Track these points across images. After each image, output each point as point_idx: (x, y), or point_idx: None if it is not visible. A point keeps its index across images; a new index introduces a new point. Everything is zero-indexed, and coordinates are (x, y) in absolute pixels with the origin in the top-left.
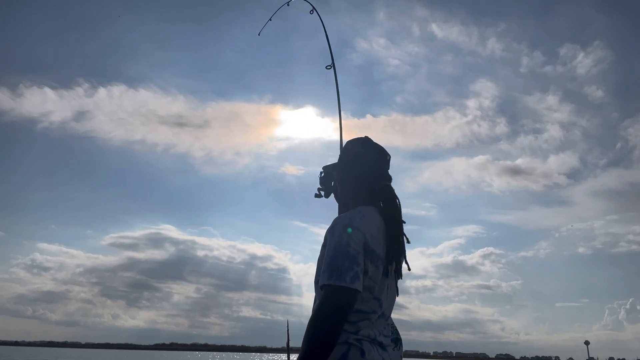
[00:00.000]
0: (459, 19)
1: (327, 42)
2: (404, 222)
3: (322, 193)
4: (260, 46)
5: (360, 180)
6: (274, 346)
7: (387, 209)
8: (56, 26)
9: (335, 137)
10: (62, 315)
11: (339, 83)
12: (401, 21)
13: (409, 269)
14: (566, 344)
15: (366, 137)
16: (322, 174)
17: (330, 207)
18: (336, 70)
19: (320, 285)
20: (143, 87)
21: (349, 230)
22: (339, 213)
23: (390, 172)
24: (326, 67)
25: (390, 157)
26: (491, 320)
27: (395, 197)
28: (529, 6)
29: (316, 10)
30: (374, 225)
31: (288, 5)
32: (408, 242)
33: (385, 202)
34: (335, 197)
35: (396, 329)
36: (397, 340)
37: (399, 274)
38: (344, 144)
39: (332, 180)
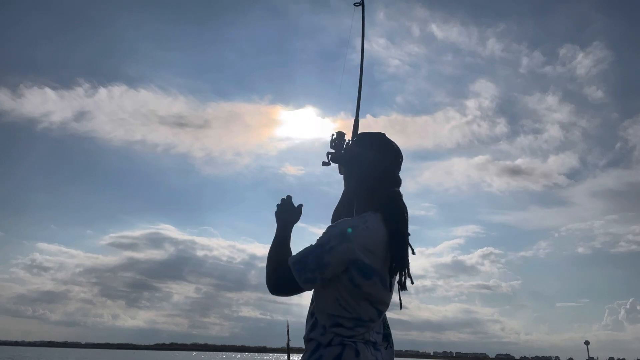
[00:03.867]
0: (459, 20)
1: None
2: (410, 234)
3: (330, 159)
4: (260, 46)
5: (367, 183)
6: (274, 346)
7: (391, 220)
8: (57, 27)
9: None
10: (62, 315)
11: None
12: (401, 21)
13: (412, 283)
14: (566, 344)
15: (381, 134)
16: (335, 137)
17: (330, 206)
18: (364, 9)
19: (289, 261)
20: (143, 87)
21: (345, 236)
22: (340, 204)
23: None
24: (354, 4)
25: (403, 158)
26: (491, 320)
27: (403, 206)
28: (528, 6)
29: None
30: (375, 238)
31: None
32: (413, 253)
33: (391, 211)
34: (342, 173)
35: (387, 323)
36: (387, 336)
37: (403, 287)
38: (357, 137)
39: (343, 146)
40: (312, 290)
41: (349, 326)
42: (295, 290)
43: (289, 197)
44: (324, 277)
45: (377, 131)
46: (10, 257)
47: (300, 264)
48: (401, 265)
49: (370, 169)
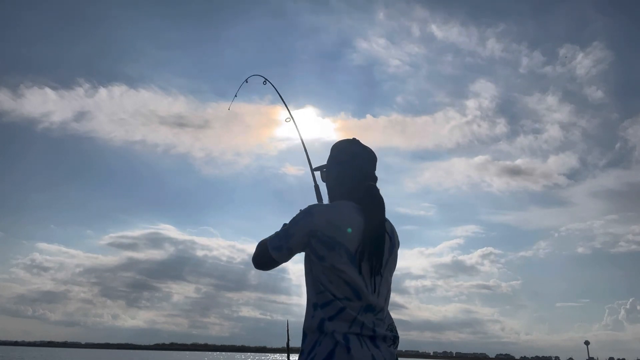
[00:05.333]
0: (459, 20)
1: (283, 102)
2: (387, 220)
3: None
4: (260, 46)
5: (343, 180)
6: (274, 346)
7: (368, 207)
8: (56, 26)
9: (335, 137)
10: (62, 315)
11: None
12: (401, 22)
13: (381, 269)
14: (566, 344)
15: (354, 139)
16: (316, 188)
17: None
18: (296, 123)
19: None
20: (143, 87)
21: (308, 211)
22: None
23: (390, 172)
24: (285, 120)
25: (377, 159)
26: (491, 320)
27: (379, 196)
28: (528, 6)
29: (269, 81)
30: (340, 214)
31: (247, 82)
32: (391, 240)
33: (368, 200)
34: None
35: (394, 326)
36: (395, 339)
37: (376, 272)
38: (333, 144)
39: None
40: (279, 260)
41: (326, 301)
42: (270, 261)
43: None
44: (289, 246)
45: (351, 137)
46: (10, 257)
47: (273, 236)
48: (374, 249)
49: (345, 166)
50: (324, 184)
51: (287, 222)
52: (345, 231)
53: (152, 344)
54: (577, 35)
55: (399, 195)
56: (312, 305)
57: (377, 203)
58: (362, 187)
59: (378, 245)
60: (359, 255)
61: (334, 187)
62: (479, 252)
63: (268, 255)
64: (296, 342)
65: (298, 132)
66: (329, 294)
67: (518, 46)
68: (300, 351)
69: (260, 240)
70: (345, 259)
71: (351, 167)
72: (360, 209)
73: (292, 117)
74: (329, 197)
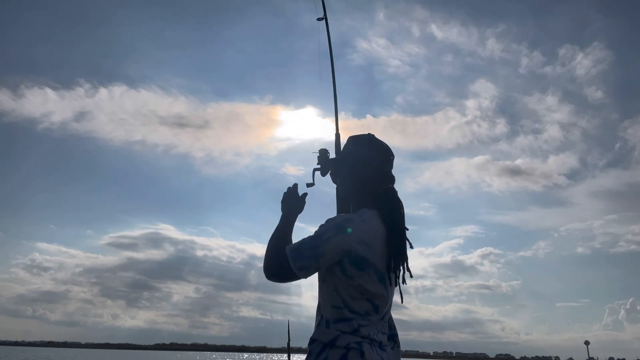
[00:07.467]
0: (459, 20)
1: None
2: (407, 229)
3: (314, 181)
4: (260, 46)
5: (363, 181)
6: (274, 346)
7: (389, 215)
8: (57, 27)
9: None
10: (62, 315)
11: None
12: (401, 22)
13: (411, 276)
14: (566, 344)
15: (370, 135)
16: (319, 154)
17: (329, 208)
18: (328, 23)
19: (286, 249)
20: (144, 88)
21: (342, 228)
22: (337, 210)
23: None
24: (317, 19)
25: (394, 156)
26: (491, 320)
27: (399, 202)
28: (528, 7)
29: None
30: (371, 231)
31: None
32: (411, 247)
33: (388, 207)
34: (336, 182)
35: (393, 324)
36: (394, 337)
37: (402, 281)
38: (346, 140)
39: (327, 161)
40: (306, 278)
41: (349, 317)
42: (290, 277)
43: (294, 186)
44: (318, 266)
45: (366, 133)
46: (10, 257)
47: (297, 252)
48: (400, 259)
49: (364, 167)
50: (325, 175)
51: (315, 230)
52: (377, 250)
53: (152, 344)
54: (577, 35)
55: (399, 195)
56: (325, 320)
57: (397, 210)
58: (381, 192)
59: (402, 256)
60: (387, 270)
61: (349, 190)
62: (479, 252)
63: (291, 274)
64: (297, 342)
65: (328, 35)
66: (347, 311)
67: (518, 46)
68: (308, 352)
69: (272, 242)
70: (375, 278)
71: (369, 168)
72: (380, 216)
73: (325, 17)
74: (343, 201)
